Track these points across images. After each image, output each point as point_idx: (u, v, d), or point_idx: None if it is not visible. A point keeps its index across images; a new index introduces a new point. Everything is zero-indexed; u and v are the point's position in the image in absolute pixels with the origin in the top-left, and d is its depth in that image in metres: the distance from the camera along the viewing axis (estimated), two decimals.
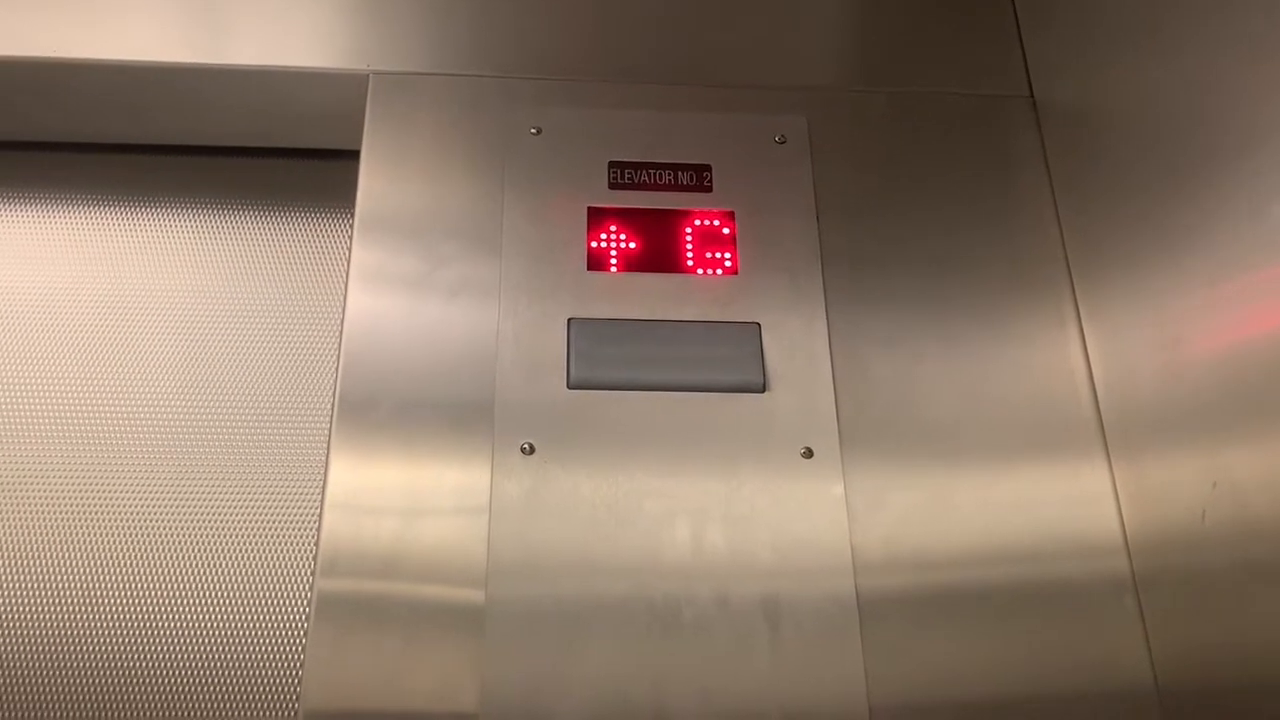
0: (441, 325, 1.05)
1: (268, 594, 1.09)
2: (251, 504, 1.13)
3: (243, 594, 1.09)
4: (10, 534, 1.10)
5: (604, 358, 1.03)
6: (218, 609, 1.08)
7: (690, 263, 1.09)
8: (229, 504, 1.12)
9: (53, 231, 1.25)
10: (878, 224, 1.13)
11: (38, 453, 1.14)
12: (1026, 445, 1.03)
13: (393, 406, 1.01)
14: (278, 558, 1.11)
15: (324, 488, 0.97)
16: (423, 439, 1.00)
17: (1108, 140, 1.05)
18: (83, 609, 1.08)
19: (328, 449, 0.99)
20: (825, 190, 1.14)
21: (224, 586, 1.09)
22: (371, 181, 1.11)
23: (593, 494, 0.98)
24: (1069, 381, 1.06)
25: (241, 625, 1.08)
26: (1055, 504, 1.01)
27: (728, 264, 1.09)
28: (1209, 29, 0.90)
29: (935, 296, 1.09)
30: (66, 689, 1.04)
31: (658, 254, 1.09)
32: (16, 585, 1.08)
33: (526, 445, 0.99)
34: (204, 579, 1.09)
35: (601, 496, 0.98)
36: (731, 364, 1.04)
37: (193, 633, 1.07)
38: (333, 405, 1.01)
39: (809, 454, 1.01)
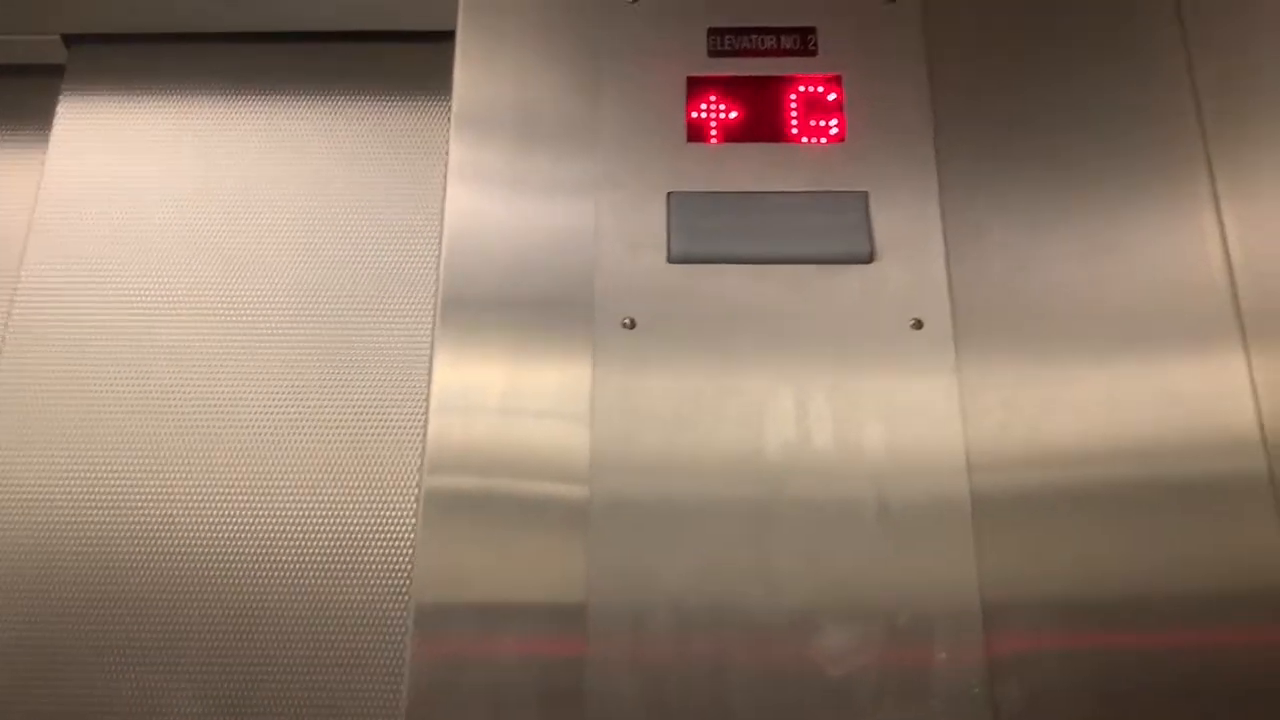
0: (542, 204, 1.04)
1: (381, 486, 1.11)
2: (361, 394, 1.14)
3: (356, 485, 1.11)
4: (124, 426, 1.13)
5: (705, 231, 1.01)
6: (330, 500, 1.10)
7: (795, 131, 1.05)
8: (338, 393, 1.14)
9: (152, 122, 1.27)
10: (994, 87, 1.06)
11: (147, 345, 1.16)
12: (1155, 328, 0.97)
13: (494, 293, 1.00)
14: (388, 450, 1.12)
15: (429, 383, 0.98)
16: (525, 317, 0.99)
17: None
18: (194, 500, 1.10)
19: (431, 346, 0.99)
20: (938, 51, 1.07)
21: (338, 477, 1.11)
22: (468, 62, 1.10)
23: (695, 369, 0.96)
24: (1203, 263, 0.99)
25: (353, 518, 1.10)
26: (1187, 395, 0.95)
27: (834, 131, 1.05)
28: None
29: (1057, 164, 1.03)
30: (179, 585, 1.08)
31: (760, 123, 1.06)
32: (139, 474, 1.12)
33: (628, 320, 0.98)
34: (317, 470, 1.11)
35: (704, 371, 0.96)
36: (837, 234, 1.00)
37: (305, 526, 1.10)
38: (435, 303, 1.01)
39: (919, 325, 0.97)
